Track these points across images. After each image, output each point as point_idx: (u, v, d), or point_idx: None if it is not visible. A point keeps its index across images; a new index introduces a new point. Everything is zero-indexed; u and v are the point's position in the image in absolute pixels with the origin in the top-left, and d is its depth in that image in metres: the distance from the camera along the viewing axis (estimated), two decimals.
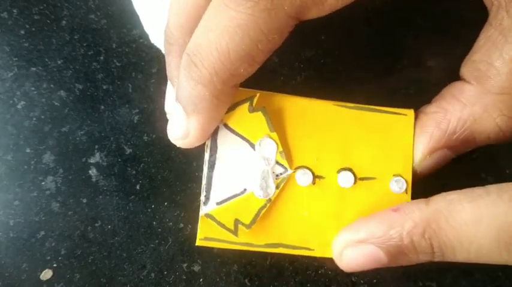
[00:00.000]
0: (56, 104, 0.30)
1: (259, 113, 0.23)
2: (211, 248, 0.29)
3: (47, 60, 0.30)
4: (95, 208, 0.29)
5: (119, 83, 0.30)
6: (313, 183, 0.24)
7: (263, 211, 0.23)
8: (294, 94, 0.26)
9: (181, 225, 0.29)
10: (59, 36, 0.30)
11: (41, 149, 0.29)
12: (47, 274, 0.28)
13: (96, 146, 0.29)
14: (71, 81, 0.30)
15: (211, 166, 0.24)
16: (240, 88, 0.23)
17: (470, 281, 0.28)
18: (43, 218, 0.29)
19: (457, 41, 0.30)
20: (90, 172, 0.29)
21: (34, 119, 0.29)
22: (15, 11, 0.30)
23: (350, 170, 0.24)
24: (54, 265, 0.28)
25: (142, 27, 0.30)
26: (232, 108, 0.23)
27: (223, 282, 0.28)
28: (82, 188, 0.29)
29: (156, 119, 0.30)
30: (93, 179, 0.29)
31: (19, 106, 0.29)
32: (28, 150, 0.29)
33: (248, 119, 0.23)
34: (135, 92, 0.30)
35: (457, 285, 0.28)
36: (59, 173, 0.29)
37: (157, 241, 0.29)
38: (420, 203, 0.22)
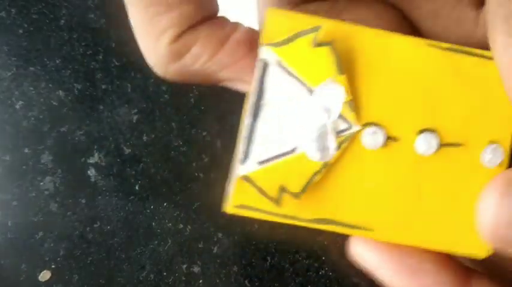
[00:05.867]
0: (54, 103, 0.29)
1: (326, 49, 0.17)
2: (211, 249, 0.29)
3: (45, 59, 0.30)
4: (93, 208, 0.29)
5: (118, 82, 0.30)
6: (384, 146, 0.18)
7: (316, 178, 0.19)
8: None
9: (181, 226, 0.28)
10: (57, 35, 0.30)
11: (39, 149, 0.29)
12: (45, 275, 0.28)
13: (95, 146, 0.29)
14: (69, 81, 0.30)
15: (255, 114, 0.19)
16: (303, 14, 0.19)
17: None
18: (41, 218, 0.29)
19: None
20: (88, 172, 0.29)
21: (32, 119, 0.29)
22: (13, 10, 0.30)
23: (434, 131, 0.18)
24: (53, 266, 0.28)
25: None
26: (290, 39, 0.18)
27: (223, 283, 0.28)
28: (81, 188, 0.29)
29: (156, 119, 0.29)
30: (92, 180, 0.29)
31: (17, 106, 0.29)
32: (26, 150, 0.29)
33: (310, 56, 0.18)
34: (134, 91, 0.30)
35: None
36: (58, 173, 0.29)
37: (156, 242, 0.28)
38: None
